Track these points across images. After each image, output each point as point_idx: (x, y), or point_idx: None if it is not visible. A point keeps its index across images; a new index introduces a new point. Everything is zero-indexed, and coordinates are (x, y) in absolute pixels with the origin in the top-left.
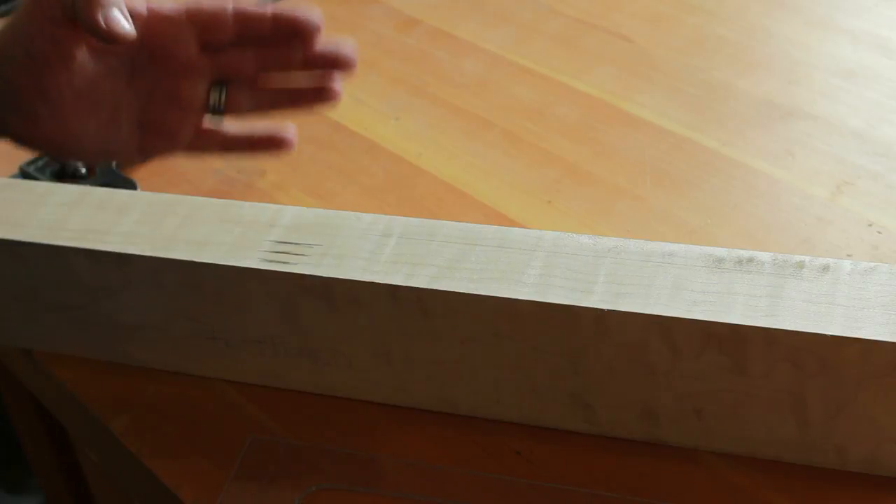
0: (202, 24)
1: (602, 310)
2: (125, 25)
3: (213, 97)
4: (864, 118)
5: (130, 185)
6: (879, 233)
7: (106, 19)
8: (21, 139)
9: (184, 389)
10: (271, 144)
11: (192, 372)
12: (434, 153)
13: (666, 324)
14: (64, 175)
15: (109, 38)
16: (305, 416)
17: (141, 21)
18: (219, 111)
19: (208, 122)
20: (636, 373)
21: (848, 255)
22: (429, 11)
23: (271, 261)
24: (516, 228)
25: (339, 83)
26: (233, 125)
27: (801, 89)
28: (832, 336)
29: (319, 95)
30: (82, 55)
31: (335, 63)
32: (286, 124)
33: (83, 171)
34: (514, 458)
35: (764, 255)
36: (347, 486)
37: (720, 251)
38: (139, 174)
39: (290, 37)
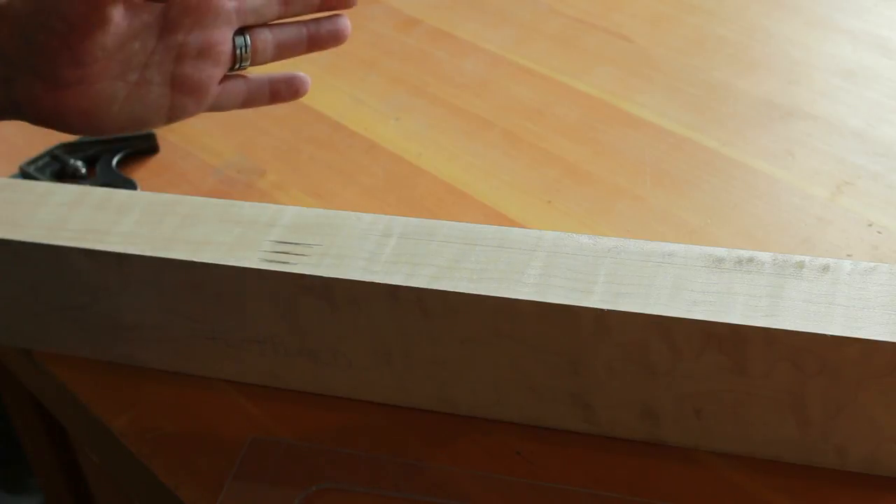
0: None
1: (602, 310)
2: None
3: (239, 46)
4: (864, 118)
5: (130, 185)
6: (879, 233)
7: None
8: (47, 112)
9: (184, 389)
10: (290, 90)
11: (192, 372)
12: (434, 153)
13: (666, 324)
14: (64, 175)
15: None
16: (305, 416)
17: None
18: (244, 61)
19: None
20: (636, 373)
21: (848, 255)
22: (429, 11)
23: (271, 261)
24: (516, 228)
25: (348, 22)
26: (253, 75)
27: (801, 89)
28: (832, 336)
29: (333, 36)
30: (119, 15)
31: (344, 2)
32: (298, 73)
33: (83, 171)
34: (514, 458)
35: (764, 255)
36: (347, 486)
37: (720, 251)
38: (139, 174)
39: None
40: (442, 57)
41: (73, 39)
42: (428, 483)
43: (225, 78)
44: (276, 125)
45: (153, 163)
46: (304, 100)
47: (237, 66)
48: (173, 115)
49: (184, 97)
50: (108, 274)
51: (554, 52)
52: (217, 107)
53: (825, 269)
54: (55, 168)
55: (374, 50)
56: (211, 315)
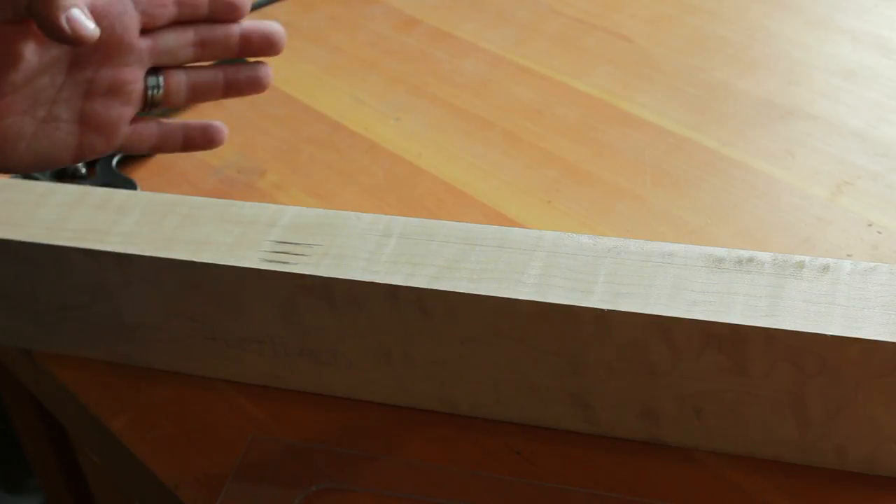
0: (144, 4)
1: (602, 310)
2: (89, 26)
3: (151, 86)
4: (864, 118)
5: (130, 185)
6: (879, 233)
7: (69, 21)
8: None
9: (184, 389)
10: (205, 139)
11: (192, 372)
12: (434, 153)
13: (666, 324)
14: (64, 175)
15: (73, 41)
16: (305, 416)
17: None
18: (156, 102)
19: (142, 114)
20: (636, 373)
21: (848, 255)
22: (429, 11)
23: (271, 261)
24: (516, 228)
25: (270, 71)
26: (167, 119)
27: (801, 89)
28: (832, 336)
29: (252, 83)
30: (28, 50)
31: (267, 46)
32: (215, 120)
33: (83, 171)
34: (514, 458)
35: (764, 255)
36: (347, 486)
37: (720, 251)
38: (139, 174)
39: (226, 15)
40: (442, 57)
41: None
42: (428, 483)
43: (137, 119)
44: (276, 125)
45: (153, 163)
46: (304, 100)
47: (150, 107)
48: (81, 154)
49: (92, 135)
50: (108, 274)
51: (554, 52)
52: (127, 148)
53: (825, 269)
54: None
55: (374, 50)
56: (211, 315)
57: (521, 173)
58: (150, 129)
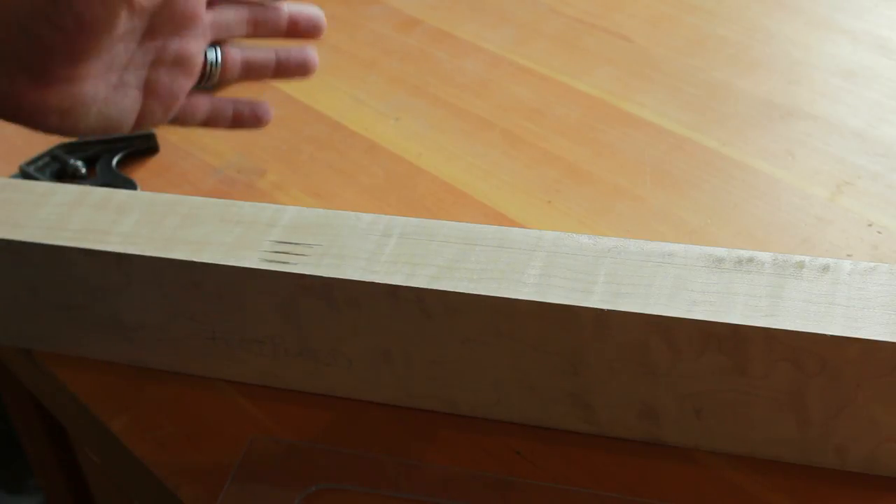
0: None
1: (602, 310)
2: None
3: (210, 60)
4: (864, 118)
5: (130, 185)
6: (879, 233)
7: None
8: (27, 109)
9: (184, 389)
10: (253, 117)
11: (192, 372)
12: (434, 153)
13: (666, 324)
14: (64, 175)
15: None
16: (305, 416)
17: None
18: (213, 76)
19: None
20: (636, 373)
21: (848, 255)
22: (429, 11)
23: (271, 261)
24: (516, 228)
25: (317, 57)
26: (218, 95)
27: (801, 89)
28: (832, 336)
29: (301, 66)
30: (119, 16)
31: (312, 29)
32: (263, 101)
33: (83, 171)
34: (514, 458)
35: (764, 255)
36: (347, 486)
37: (720, 251)
38: (139, 174)
39: None
40: (442, 57)
41: (80, 39)
42: (428, 483)
43: (191, 92)
44: (276, 125)
45: (153, 163)
46: (304, 100)
47: (204, 81)
48: (140, 122)
49: (154, 103)
50: (108, 274)
51: (554, 52)
52: (179, 120)
53: (825, 269)
54: (55, 168)
55: (374, 50)
56: (211, 315)
57: (521, 173)
58: (202, 102)
